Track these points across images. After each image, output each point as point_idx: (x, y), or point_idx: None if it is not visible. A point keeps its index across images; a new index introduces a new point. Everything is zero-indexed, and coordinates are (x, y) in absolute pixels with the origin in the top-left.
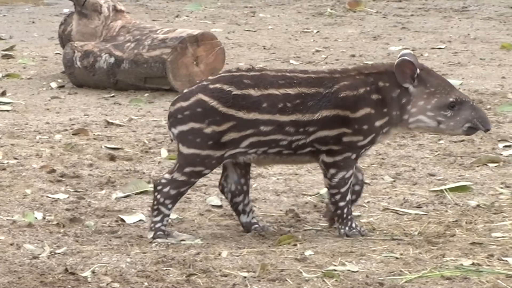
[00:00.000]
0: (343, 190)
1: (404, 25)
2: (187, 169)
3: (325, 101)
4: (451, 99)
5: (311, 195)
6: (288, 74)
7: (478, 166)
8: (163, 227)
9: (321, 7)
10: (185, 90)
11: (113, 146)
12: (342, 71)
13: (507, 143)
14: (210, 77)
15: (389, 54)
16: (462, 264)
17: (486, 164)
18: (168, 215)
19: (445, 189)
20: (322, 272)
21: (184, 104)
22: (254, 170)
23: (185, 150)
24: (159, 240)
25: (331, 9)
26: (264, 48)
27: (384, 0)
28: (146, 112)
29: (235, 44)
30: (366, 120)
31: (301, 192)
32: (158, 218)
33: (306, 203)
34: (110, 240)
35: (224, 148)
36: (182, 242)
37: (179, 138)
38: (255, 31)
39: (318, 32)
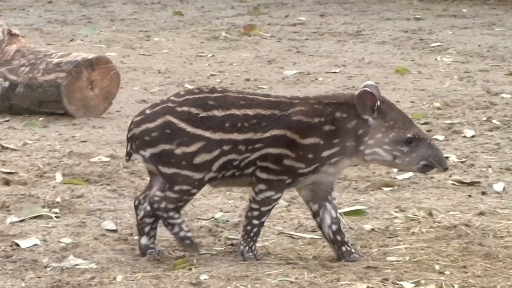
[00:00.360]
0: (263, 209)
1: (298, 49)
2: (176, 188)
3: (277, 122)
4: (408, 135)
5: (205, 219)
6: (249, 96)
7: (372, 190)
8: (188, 234)
9: (216, 31)
10: (148, 111)
11: (7, 170)
12: (302, 98)
13: None
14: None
15: (283, 78)
16: None
17: (380, 188)
18: (182, 222)
19: (340, 213)
20: None
21: (151, 125)
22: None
23: (166, 170)
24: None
25: (226, 33)
26: (159, 72)
27: (279, 24)
28: (40, 136)
29: (130, 68)
30: (312, 149)
31: (196, 216)
32: (176, 229)
33: (201, 227)
34: (5, 265)
35: (201, 171)
36: (77, 266)
37: (155, 161)
38: (150, 55)
39: (213, 56)
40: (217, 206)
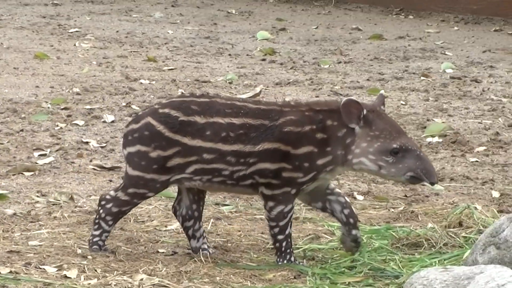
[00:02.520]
0: (281, 223)
1: None
2: (130, 190)
3: (268, 134)
4: (394, 145)
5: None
6: (238, 104)
7: (14, 174)
8: (100, 242)
9: None
10: (140, 113)
11: None
12: (293, 105)
13: (42, 152)
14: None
15: None
16: (0, 273)
17: (21, 173)
18: (108, 231)
19: None
20: None
21: (135, 126)
22: None
23: (130, 171)
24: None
25: None
26: None
27: None
28: None
29: None
30: (308, 158)
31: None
32: (97, 232)
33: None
34: None
35: (170, 173)
36: None
37: (127, 159)
38: None
39: None
40: None
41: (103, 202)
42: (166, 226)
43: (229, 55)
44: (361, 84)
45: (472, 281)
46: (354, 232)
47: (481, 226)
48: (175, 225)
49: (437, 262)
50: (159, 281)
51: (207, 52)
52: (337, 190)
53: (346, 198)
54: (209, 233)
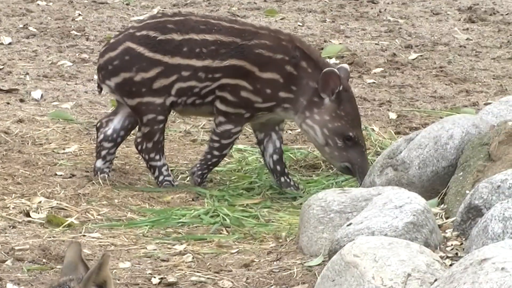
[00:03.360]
0: (224, 141)
1: None
2: (144, 119)
3: (237, 52)
4: (350, 133)
5: None
6: (212, 21)
7: None
8: (166, 178)
9: None
10: (112, 40)
11: None
12: (271, 31)
13: None
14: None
15: None
16: None
17: None
18: (164, 165)
19: None
20: None
21: (113, 54)
22: None
23: (130, 102)
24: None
25: None
26: None
27: None
28: None
29: None
30: (270, 85)
31: None
32: (156, 173)
33: None
34: None
35: (161, 95)
36: None
37: (119, 91)
38: None
39: None
40: None
41: (139, 147)
42: (64, 149)
43: None
44: (258, 6)
45: (370, 203)
46: (282, 179)
47: (378, 148)
48: (73, 148)
49: (334, 183)
50: (57, 203)
51: None
52: (281, 134)
53: (282, 146)
54: None
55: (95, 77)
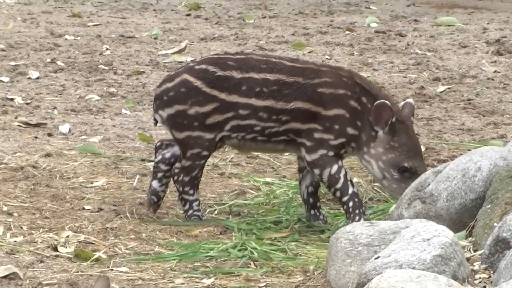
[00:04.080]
0: (338, 186)
1: None
2: (188, 154)
3: (300, 92)
4: (405, 164)
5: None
6: (273, 60)
7: None
8: (196, 213)
9: None
10: (172, 72)
11: None
12: (332, 67)
13: None
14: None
15: None
16: None
17: None
18: (196, 200)
19: None
20: None
21: (170, 85)
22: None
23: (178, 135)
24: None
25: None
26: None
27: None
28: None
29: None
30: (338, 121)
31: None
32: (186, 206)
33: None
34: None
35: (212, 131)
36: None
37: (169, 123)
38: None
39: None
40: None
41: (175, 177)
42: (91, 183)
43: (154, 10)
44: (286, 39)
45: (398, 235)
46: (312, 211)
47: None
48: (101, 181)
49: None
50: (85, 237)
51: (131, 8)
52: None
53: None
54: (134, 189)
55: (123, 111)
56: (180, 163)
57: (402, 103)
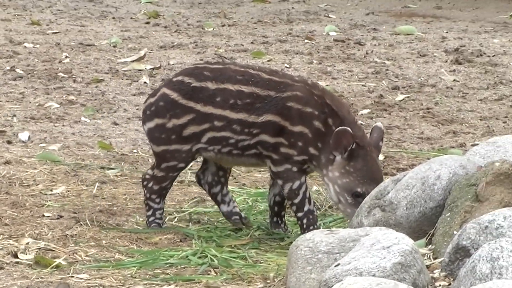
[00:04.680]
0: (296, 201)
1: None
2: (163, 165)
3: (271, 105)
4: (358, 189)
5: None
6: (251, 72)
7: None
8: (156, 220)
9: None
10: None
11: None
12: (306, 84)
13: None
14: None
15: None
16: None
17: None
18: (160, 209)
19: None
20: None
21: (152, 100)
22: None
23: (155, 148)
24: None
25: None
26: None
27: None
28: None
29: None
30: (302, 138)
31: None
32: (150, 213)
33: None
34: None
35: (189, 142)
36: None
37: (149, 136)
38: None
39: None
40: None
41: (145, 183)
42: (51, 190)
43: (113, 18)
44: (245, 47)
45: (358, 243)
46: (275, 219)
47: None
48: (61, 189)
49: (322, 224)
50: (45, 244)
51: (91, 16)
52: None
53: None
54: (94, 196)
55: (83, 118)
56: (152, 170)
57: (373, 126)
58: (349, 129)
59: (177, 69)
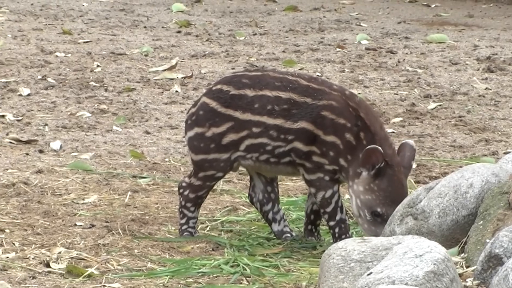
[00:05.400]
0: (328, 210)
1: None
2: (200, 174)
3: (307, 113)
4: (378, 209)
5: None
6: (289, 78)
7: None
8: (189, 229)
9: None
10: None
11: None
12: (344, 94)
13: None
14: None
15: None
16: None
17: None
18: (193, 218)
19: None
20: None
21: (193, 109)
22: None
23: (194, 156)
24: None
25: None
26: None
27: None
28: None
29: None
30: (334, 148)
31: None
32: (183, 221)
33: None
34: None
35: (228, 151)
36: None
37: (188, 145)
38: None
39: None
40: None
41: (181, 190)
42: (83, 199)
43: (145, 27)
44: (277, 56)
45: (390, 252)
46: (309, 227)
47: None
48: (92, 198)
49: (355, 233)
50: (77, 254)
51: (122, 25)
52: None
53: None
54: (126, 205)
55: (114, 127)
56: (189, 179)
57: (403, 141)
58: (380, 148)
59: (209, 78)
